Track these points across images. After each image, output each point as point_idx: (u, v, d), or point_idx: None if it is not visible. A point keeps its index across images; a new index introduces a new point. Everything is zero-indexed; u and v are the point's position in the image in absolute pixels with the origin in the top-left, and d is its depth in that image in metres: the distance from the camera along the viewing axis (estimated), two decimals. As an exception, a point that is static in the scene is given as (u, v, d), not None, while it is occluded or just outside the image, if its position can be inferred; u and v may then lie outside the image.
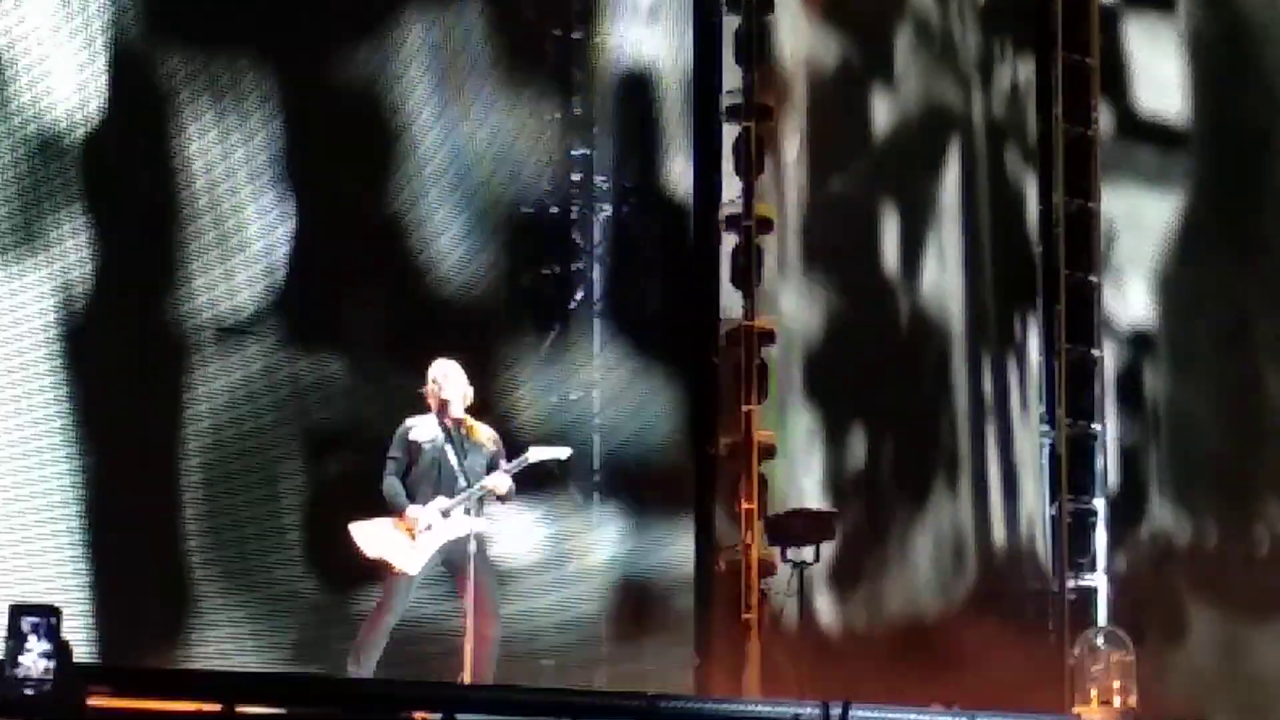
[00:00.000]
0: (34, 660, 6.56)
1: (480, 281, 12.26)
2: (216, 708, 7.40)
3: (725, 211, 13.01)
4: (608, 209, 12.96)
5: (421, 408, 9.55)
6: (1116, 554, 14.08)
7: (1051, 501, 13.98)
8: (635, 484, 12.67)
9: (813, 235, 13.36)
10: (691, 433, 12.93)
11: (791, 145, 13.31)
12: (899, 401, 13.64)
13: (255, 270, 11.36)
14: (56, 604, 7.19)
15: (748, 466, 12.76)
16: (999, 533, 13.90)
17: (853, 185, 13.73)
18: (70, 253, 10.71)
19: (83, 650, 9.68)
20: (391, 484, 9.40)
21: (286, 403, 11.38)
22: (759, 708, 9.16)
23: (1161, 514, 14.51)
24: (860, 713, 8.50)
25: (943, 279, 13.95)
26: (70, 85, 10.78)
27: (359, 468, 10.30)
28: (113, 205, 10.88)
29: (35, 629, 6.57)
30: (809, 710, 8.37)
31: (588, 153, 12.93)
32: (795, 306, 13.24)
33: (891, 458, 13.62)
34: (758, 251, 12.89)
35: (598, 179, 12.92)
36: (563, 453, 9.57)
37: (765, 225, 12.94)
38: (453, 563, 9.41)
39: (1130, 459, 14.47)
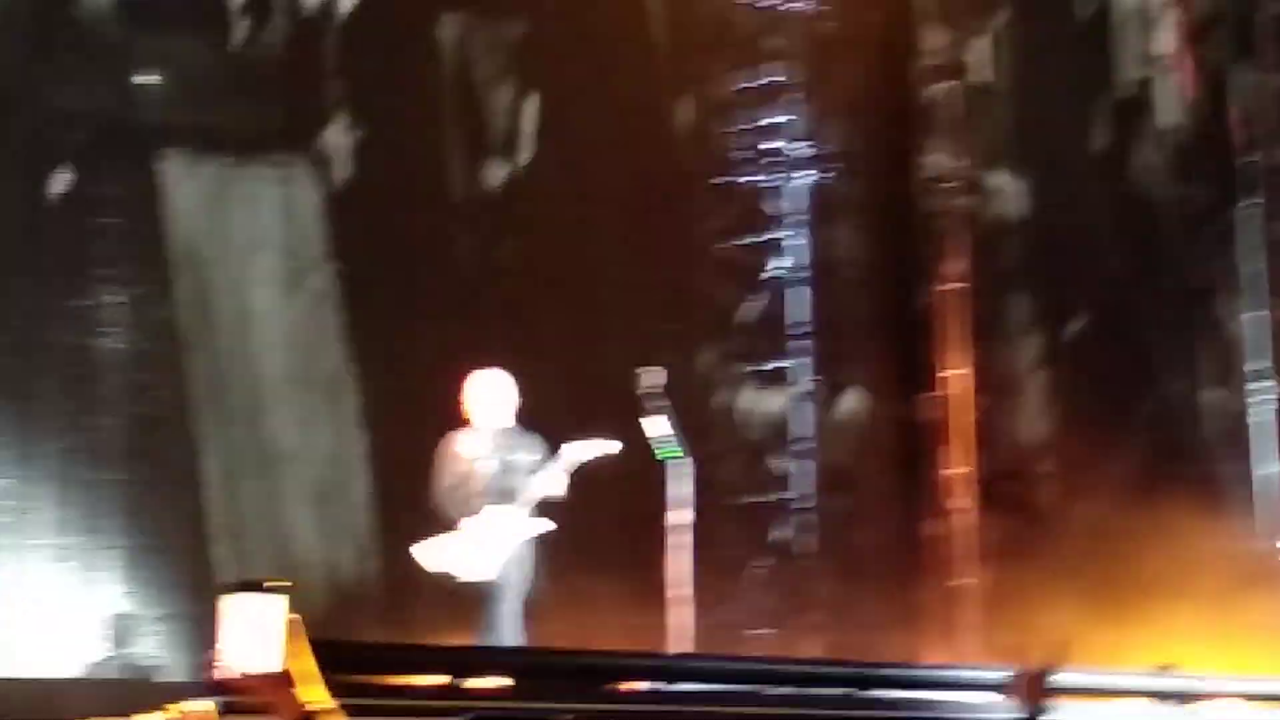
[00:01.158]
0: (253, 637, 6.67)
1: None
2: (444, 680, 7.49)
3: (926, 173, 12.90)
4: (805, 175, 12.94)
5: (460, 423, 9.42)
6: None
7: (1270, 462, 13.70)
8: (842, 451, 12.67)
9: (1024, 118, 13.20)
10: (897, 397, 12.87)
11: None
12: (1110, 284, 13.46)
13: (500, 152, 11.81)
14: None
15: (950, 432, 12.66)
16: (1211, 425, 13.65)
17: (1058, 67, 13.55)
18: (330, 141, 11.21)
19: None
20: (445, 500, 9.30)
21: None
22: (970, 673, 9.11)
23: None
24: (1071, 676, 8.43)
25: (1151, 161, 13.72)
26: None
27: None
28: (369, 93, 11.33)
29: (259, 605, 6.69)
30: (1019, 673, 8.32)
31: (783, 120, 12.91)
32: (1009, 186, 13.10)
33: (1098, 340, 13.47)
34: (960, 213, 12.76)
35: (797, 145, 12.91)
36: (609, 447, 9.19)
37: (970, 187, 12.80)
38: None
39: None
